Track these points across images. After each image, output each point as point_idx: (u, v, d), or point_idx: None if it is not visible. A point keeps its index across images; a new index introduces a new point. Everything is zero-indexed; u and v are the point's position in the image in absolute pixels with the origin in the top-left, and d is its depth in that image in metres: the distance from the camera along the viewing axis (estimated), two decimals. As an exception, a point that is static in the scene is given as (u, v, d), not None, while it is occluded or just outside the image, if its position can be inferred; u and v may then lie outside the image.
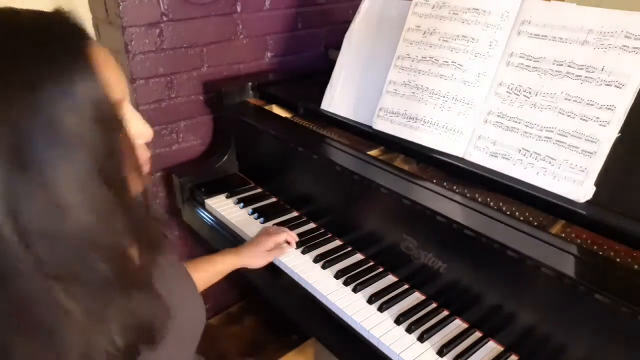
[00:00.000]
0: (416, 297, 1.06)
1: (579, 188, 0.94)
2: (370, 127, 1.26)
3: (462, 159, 1.11)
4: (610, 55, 0.93)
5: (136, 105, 1.46)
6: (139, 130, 0.63)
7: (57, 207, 0.48)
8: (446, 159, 1.11)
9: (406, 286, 1.09)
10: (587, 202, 0.93)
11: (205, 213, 1.43)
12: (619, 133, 0.91)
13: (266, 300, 1.29)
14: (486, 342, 0.95)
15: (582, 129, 0.94)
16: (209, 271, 1.04)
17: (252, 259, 1.14)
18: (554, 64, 1.00)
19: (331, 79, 1.38)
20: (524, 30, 1.05)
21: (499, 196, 1.03)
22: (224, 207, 1.40)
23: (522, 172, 1.01)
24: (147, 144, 0.67)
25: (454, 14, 1.13)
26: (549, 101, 0.99)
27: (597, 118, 0.93)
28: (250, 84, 1.58)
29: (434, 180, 1.08)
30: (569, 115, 0.97)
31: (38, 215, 0.47)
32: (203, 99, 1.61)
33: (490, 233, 0.90)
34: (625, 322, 0.74)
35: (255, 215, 1.35)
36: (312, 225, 1.31)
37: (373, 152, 1.23)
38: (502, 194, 1.02)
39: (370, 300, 1.04)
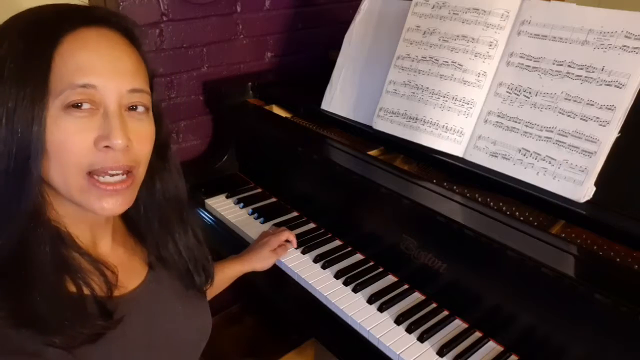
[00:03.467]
0: (416, 297, 1.06)
1: (579, 188, 0.93)
2: (370, 127, 1.26)
3: (462, 159, 1.11)
4: (610, 55, 0.93)
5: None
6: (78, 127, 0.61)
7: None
8: (446, 159, 1.11)
9: (406, 286, 1.09)
10: (587, 202, 0.93)
11: (205, 213, 1.43)
12: (619, 133, 0.91)
13: (266, 300, 1.29)
14: (486, 342, 0.95)
15: (582, 129, 0.94)
16: (218, 276, 1.04)
17: (260, 262, 1.14)
18: (554, 64, 1.00)
19: (331, 79, 1.38)
20: (524, 30, 1.05)
21: (499, 196, 1.03)
22: (224, 208, 1.40)
23: (522, 172, 1.01)
24: (129, 152, 0.64)
25: (454, 14, 1.13)
26: (549, 101, 0.99)
27: (597, 118, 0.93)
28: (250, 84, 1.58)
29: (434, 180, 1.08)
30: (569, 116, 0.97)
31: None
32: (203, 99, 1.61)
33: (490, 233, 0.90)
34: (625, 322, 0.74)
35: (255, 215, 1.35)
36: (312, 225, 1.31)
37: (373, 152, 1.23)
38: (502, 194, 1.02)
39: (370, 300, 1.04)
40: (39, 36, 0.61)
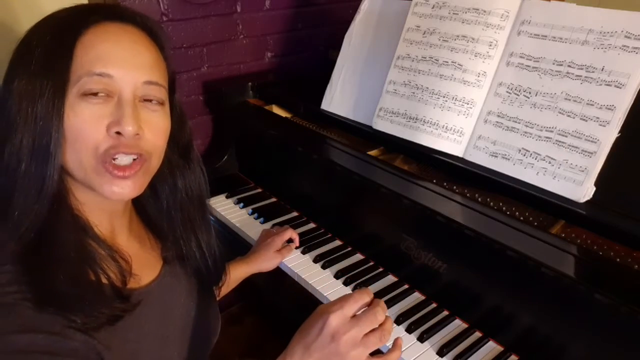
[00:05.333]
0: (416, 297, 1.06)
1: (579, 188, 0.94)
2: (370, 127, 1.26)
3: (462, 159, 1.11)
4: (610, 55, 0.93)
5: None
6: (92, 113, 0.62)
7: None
8: (446, 159, 1.11)
9: (406, 286, 1.09)
10: (587, 202, 0.93)
11: (205, 213, 1.43)
12: (619, 133, 0.91)
13: (266, 300, 1.29)
14: (486, 342, 0.95)
15: (582, 129, 0.94)
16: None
17: (265, 262, 1.15)
18: (554, 64, 1.00)
19: (331, 79, 1.38)
20: (524, 30, 1.05)
21: (499, 196, 1.03)
22: (224, 208, 1.40)
23: (522, 172, 1.01)
24: (140, 139, 0.65)
25: (454, 14, 1.13)
26: (549, 101, 0.99)
27: (597, 118, 0.93)
28: (250, 84, 1.58)
29: (434, 180, 1.08)
30: (569, 115, 0.97)
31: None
32: (203, 99, 1.61)
33: (490, 233, 0.90)
34: (625, 322, 0.74)
35: (255, 215, 1.35)
36: (312, 225, 1.31)
37: (373, 152, 1.23)
38: (502, 194, 1.02)
39: (370, 300, 1.04)
40: (65, 28, 0.64)
